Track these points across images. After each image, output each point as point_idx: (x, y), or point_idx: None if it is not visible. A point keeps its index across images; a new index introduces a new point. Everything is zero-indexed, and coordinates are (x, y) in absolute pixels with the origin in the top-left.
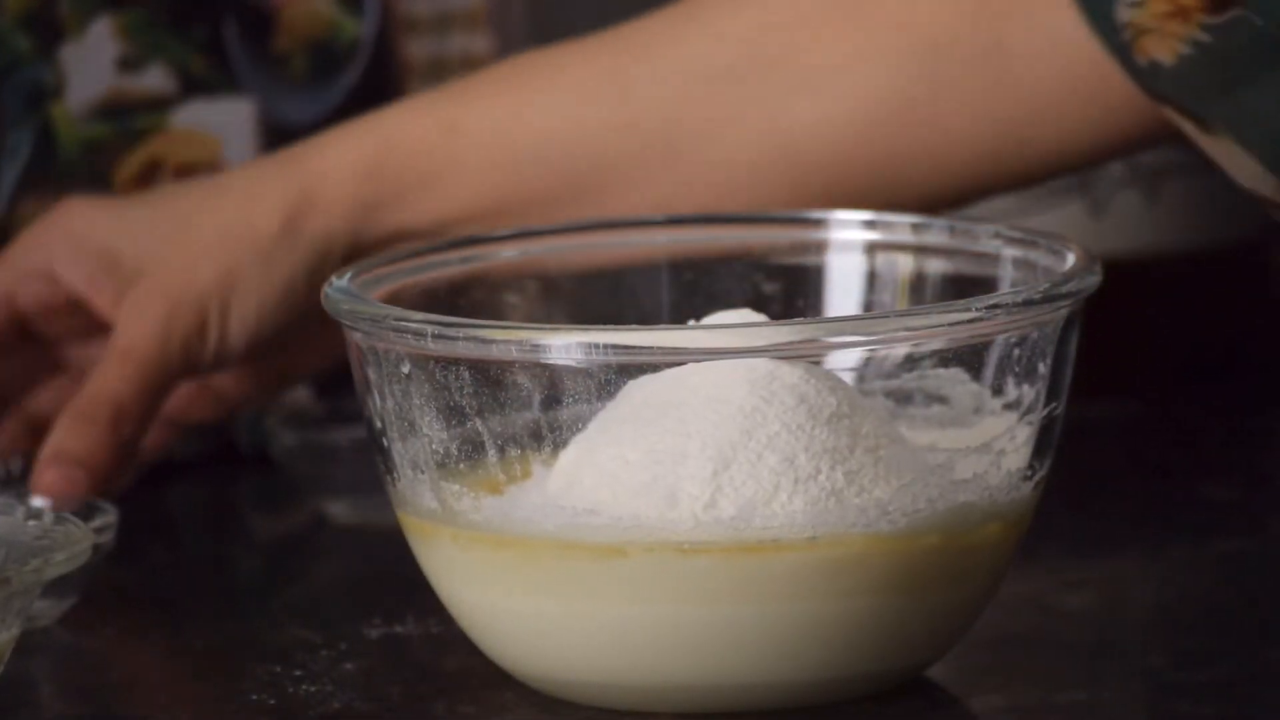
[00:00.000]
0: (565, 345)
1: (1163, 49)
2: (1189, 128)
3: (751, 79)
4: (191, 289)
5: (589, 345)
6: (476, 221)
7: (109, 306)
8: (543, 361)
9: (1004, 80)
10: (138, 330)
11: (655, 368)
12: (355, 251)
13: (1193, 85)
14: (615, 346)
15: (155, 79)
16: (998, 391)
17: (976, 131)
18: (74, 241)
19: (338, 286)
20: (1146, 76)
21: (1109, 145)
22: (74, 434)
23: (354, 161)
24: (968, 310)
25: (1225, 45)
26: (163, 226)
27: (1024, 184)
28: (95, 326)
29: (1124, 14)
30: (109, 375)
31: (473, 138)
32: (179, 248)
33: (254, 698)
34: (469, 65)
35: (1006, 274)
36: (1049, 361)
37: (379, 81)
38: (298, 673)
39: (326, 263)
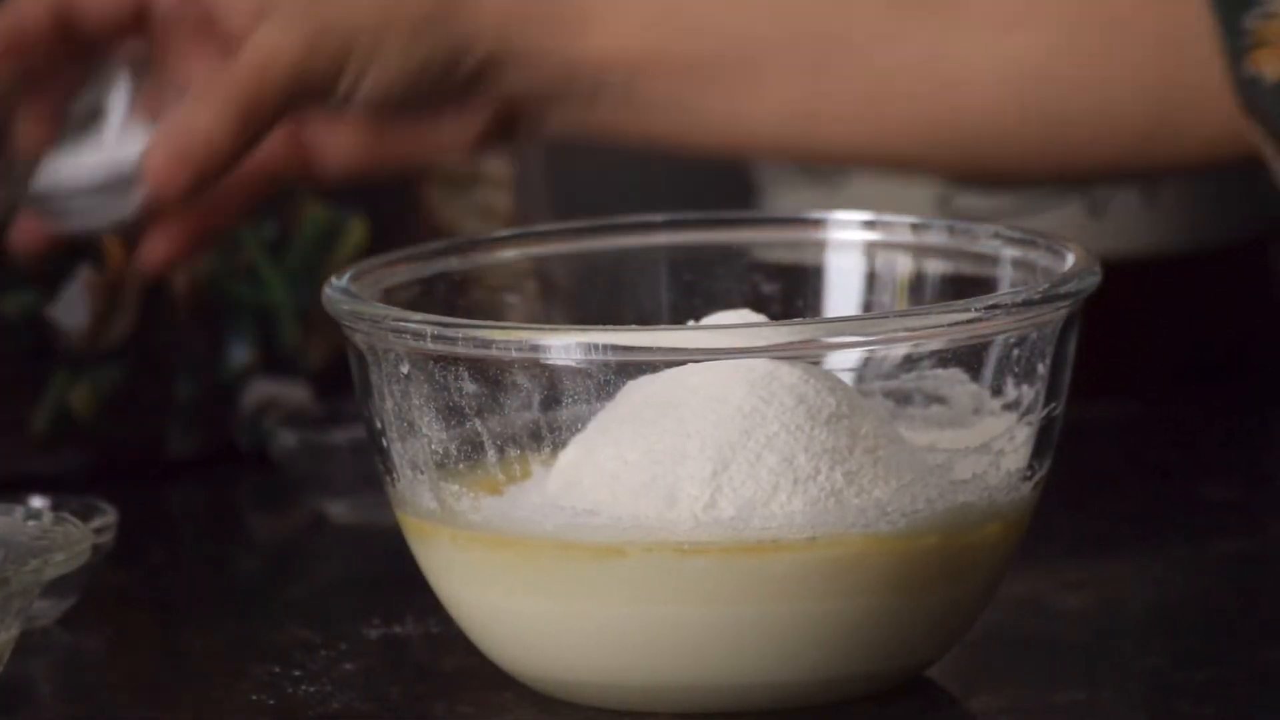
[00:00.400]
0: (565, 345)
1: (1270, 64)
2: (1269, 147)
3: (923, 11)
4: (344, 23)
5: (588, 345)
6: (616, 71)
7: (243, 23)
8: (542, 362)
9: (1176, 66)
10: (284, 39)
11: (654, 368)
12: (491, 63)
13: None
14: (614, 347)
15: None
16: (997, 392)
17: (1138, 110)
18: None
19: (337, 287)
20: (1246, 88)
21: (1249, 152)
22: (195, 111)
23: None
24: (967, 311)
25: None
26: None
27: (1168, 170)
28: (207, 33)
29: (1251, 21)
30: (248, 69)
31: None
32: None
33: (253, 698)
34: None
35: (1006, 274)
36: (1048, 362)
37: None
38: (297, 673)
39: (463, 61)
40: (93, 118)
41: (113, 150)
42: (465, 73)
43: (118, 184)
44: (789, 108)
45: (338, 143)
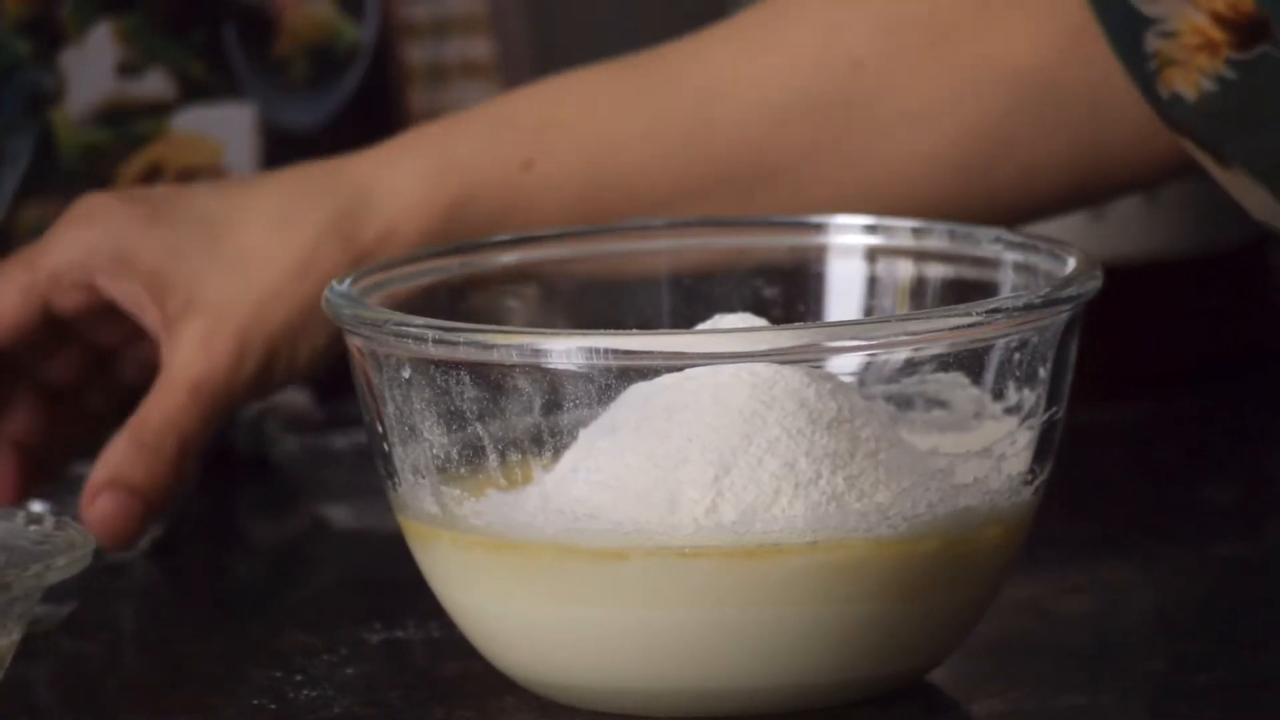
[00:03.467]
0: (566, 350)
1: (1186, 83)
2: (1206, 160)
3: (841, 116)
4: (264, 329)
5: (590, 350)
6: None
7: (157, 325)
8: (543, 366)
9: (1098, 114)
10: (206, 365)
11: (656, 372)
12: None
13: (1212, 120)
14: (616, 351)
15: (155, 84)
16: (998, 396)
17: (1069, 161)
18: (119, 259)
19: (338, 291)
20: (1167, 108)
21: (1195, 164)
22: (135, 461)
23: (429, 204)
24: (968, 315)
25: (1249, 82)
26: (218, 254)
27: (1105, 200)
28: (134, 328)
29: (1153, 43)
30: (173, 405)
31: (550, 174)
32: (245, 284)
33: (254, 702)
34: (468, 70)
35: (1007, 278)
36: (1049, 366)
37: (379, 86)
38: (298, 678)
39: None
40: None
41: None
42: None
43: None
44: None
45: None
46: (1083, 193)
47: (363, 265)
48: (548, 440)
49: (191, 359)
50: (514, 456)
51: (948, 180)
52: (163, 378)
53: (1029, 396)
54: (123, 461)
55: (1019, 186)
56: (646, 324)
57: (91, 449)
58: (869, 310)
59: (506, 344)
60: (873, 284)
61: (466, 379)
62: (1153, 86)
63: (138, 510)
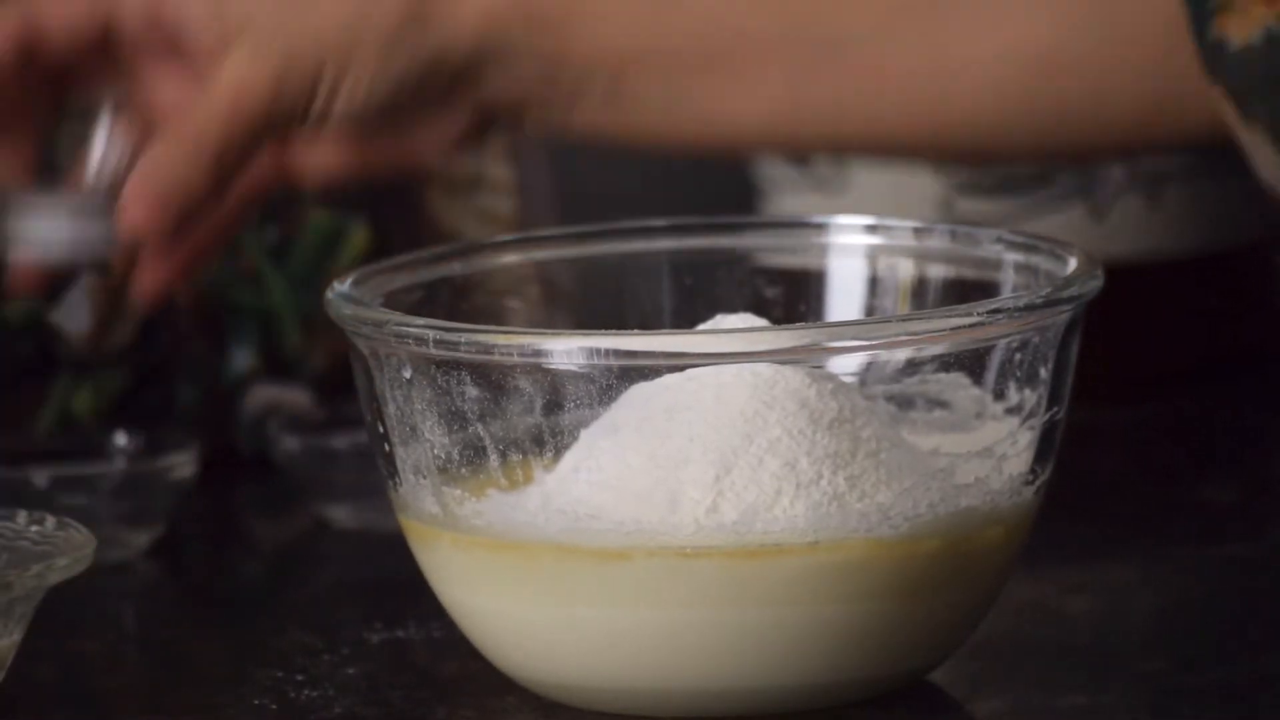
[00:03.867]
0: (567, 350)
1: (1239, 30)
2: (1229, 111)
3: (916, 7)
4: (313, 49)
5: (591, 350)
6: (602, 69)
7: (211, 44)
8: (545, 366)
9: (1173, 49)
10: (253, 73)
11: (657, 372)
12: (470, 66)
13: (1248, 73)
14: (617, 351)
15: None
16: (999, 396)
17: (1140, 89)
18: None
19: (340, 291)
20: (1209, 51)
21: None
22: (171, 157)
23: None
24: (969, 315)
25: None
26: None
27: (1169, 148)
28: (174, 53)
29: None
30: (214, 109)
31: None
32: (303, 11)
33: (256, 702)
34: None
35: (1008, 279)
36: (1050, 366)
37: None
38: (299, 677)
39: (440, 70)
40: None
41: (95, 185)
42: (444, 78)
43: (100, 219)
44: (778, 104)
45: (317, 154)
46: (1153, 130)
47: (423, 24)
48: (549, 440)
49: (237, 70)
50: (515, 457)
51: (1019, 85)
52: (206, 89)
53: (1030, 397)
54: (159, 156)
55: (1088, 111)
56: (647, 324)
57: None
58: (870, 310)
59: (508, 344)
60: (874, 284)
61: (468, 379)
62: (1206, 26)
63: (171, 209)
